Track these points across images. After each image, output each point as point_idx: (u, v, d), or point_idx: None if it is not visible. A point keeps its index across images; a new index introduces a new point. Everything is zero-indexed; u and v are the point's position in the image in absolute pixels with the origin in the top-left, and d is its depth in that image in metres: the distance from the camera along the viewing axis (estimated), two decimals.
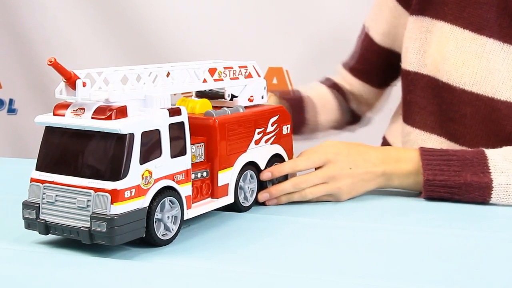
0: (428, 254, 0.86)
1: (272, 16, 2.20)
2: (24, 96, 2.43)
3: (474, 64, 1.20)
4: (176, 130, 0.89)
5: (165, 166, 0.87)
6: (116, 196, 0.81)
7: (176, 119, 0.88)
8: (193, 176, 0.92)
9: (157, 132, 0.86)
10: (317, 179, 1.08)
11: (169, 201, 0.88)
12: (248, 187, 1.04)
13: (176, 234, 0.89)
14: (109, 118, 0.83)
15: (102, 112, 0.84)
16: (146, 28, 2.26)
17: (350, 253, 0.86)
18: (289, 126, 1.09)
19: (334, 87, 1.56)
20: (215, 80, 1.00)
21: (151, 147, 0.85)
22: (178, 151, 0.89)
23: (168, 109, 0.88)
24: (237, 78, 1.04)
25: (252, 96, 1.06)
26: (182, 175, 0.90)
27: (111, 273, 0.79)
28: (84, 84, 0.84)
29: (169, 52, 2.22)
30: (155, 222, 0.86)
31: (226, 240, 0.91)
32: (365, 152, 1.12)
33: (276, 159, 1.08)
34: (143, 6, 2.26)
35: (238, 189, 1.01)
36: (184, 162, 0.90)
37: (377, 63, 1.48)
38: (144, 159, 0.84)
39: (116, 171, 0.82)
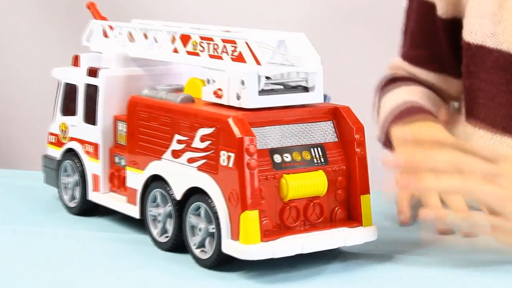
0: None
1: None
2: None
3: None
4: (92, 93, 0.80)
5: (78, 128, 0.82)
6: None
7: (92, 80, 0.80)
8: (116, 159, 0.80)
9: (74, 88, 0.82)
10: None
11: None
12: (159, 214, 0.74)
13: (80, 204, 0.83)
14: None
15: None
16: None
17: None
18: (233, 155, 0.66)
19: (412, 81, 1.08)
20: (188, 52, 0.76)
21: (69, 101, 0.83)
22: (90, 118, 0.81)
23: (88, 68, 0.81)
24: (220, 58, 0.71)
25: (221, 90, 0.70)
26: (91, 147, 0.80)
27: (109, 273, 0.73)
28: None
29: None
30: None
31: None
32: None
33: (198, 195, 0.69)
34: None
35: (148, 214, 0.75)
36: (94, 134, 0.80)
37: (446, 43, 1.03)
38: (63, 112, 0.84)
39: None
